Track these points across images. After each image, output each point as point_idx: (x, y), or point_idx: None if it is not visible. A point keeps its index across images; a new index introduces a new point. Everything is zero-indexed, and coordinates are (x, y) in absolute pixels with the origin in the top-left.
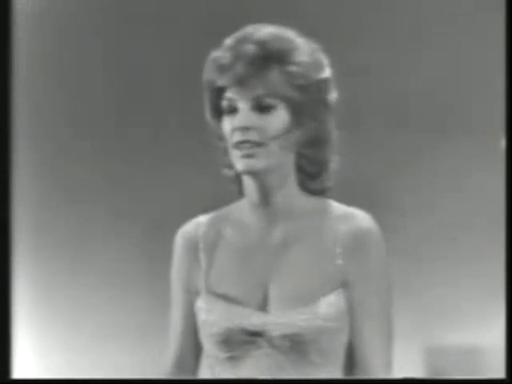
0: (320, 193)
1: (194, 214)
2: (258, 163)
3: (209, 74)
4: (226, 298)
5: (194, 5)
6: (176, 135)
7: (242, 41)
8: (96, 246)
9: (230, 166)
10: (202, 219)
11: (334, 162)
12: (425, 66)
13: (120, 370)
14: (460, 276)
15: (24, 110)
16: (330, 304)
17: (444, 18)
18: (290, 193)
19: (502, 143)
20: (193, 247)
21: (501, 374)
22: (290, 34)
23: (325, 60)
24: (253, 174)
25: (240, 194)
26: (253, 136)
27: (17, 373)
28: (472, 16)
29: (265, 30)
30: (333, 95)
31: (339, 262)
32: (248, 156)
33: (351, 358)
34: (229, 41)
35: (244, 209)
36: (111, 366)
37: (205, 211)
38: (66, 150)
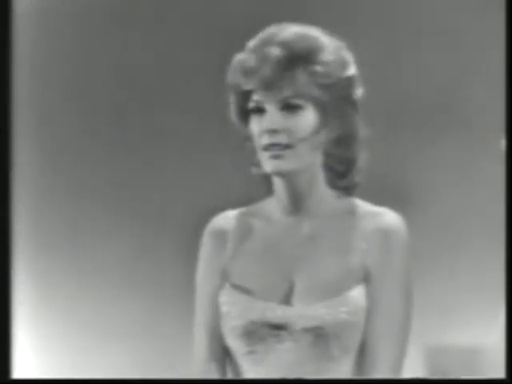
0: (348, 189)
1: (195, 215)
2: (286, 165)
3: (234, 77)
4: (249, 291)
5: (195, 5)
6: (177, 135)
7: (267, 43)
8: (96, 245)
9: (258, 165)
10: (231, 213)
11: (362, 159)
12: (425, 66)
13: (120, 369)
14: (460, 276)
15: (24, 109)
16: (354, 298)
17: (444, 18)
18: (319, 194)
19: (502, 143)
20: (222, 239)
21: (501, 374)
22: (314, 32)
23: (350, 57)
24: (281, 175)
25: (269, 193)
26: (281, 138)
27: (17, 373)
28: (472, 16)
29: (289, 30)
30: (358, 92)
31: (364, 257)
32: (276, 157)
33: (361, 355)
34: (253, 43)
35: (273, 206)
36: (111, 366)
37: (207, 211)
38: (66, 150)
